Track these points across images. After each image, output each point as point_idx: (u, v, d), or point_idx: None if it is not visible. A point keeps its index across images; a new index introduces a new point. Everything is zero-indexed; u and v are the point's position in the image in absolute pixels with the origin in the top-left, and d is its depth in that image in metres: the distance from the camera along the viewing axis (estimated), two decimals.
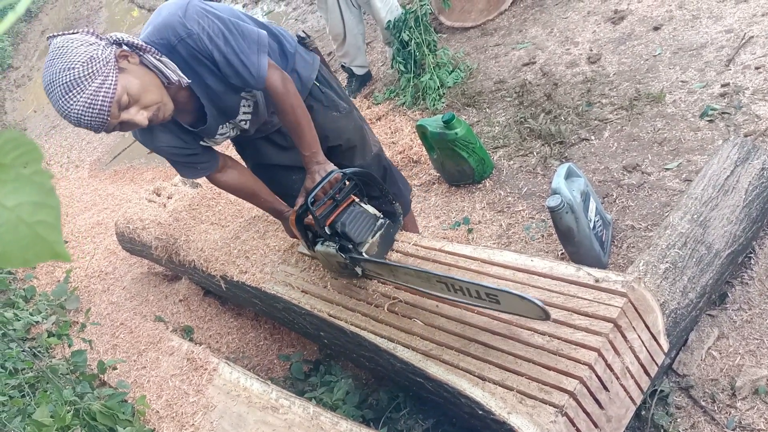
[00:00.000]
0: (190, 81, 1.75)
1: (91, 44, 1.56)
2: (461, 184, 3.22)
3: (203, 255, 2.64)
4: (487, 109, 3.63)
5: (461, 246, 1.98)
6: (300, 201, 1.94)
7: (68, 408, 2.01)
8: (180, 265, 2.87)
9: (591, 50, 3.60)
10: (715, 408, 1.83)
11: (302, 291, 2.19)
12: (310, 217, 1.88)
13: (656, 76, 3.18)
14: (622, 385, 1.60)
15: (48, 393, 2.15)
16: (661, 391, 1.90)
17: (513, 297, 1.52)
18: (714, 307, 2.08)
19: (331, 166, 1.94)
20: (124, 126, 1.67)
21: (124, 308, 3.27)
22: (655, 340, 1.66)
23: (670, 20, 3.47)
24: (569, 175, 2.31)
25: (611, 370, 1.56)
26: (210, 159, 2.07)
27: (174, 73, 1.70)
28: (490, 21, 4.43)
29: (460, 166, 3.11)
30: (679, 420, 1.84)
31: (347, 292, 2.08)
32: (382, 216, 1.98)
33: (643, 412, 1.86)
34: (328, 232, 1.88)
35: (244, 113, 2.01)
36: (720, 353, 1.95)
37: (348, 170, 1.93)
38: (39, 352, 2.91)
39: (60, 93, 1.53)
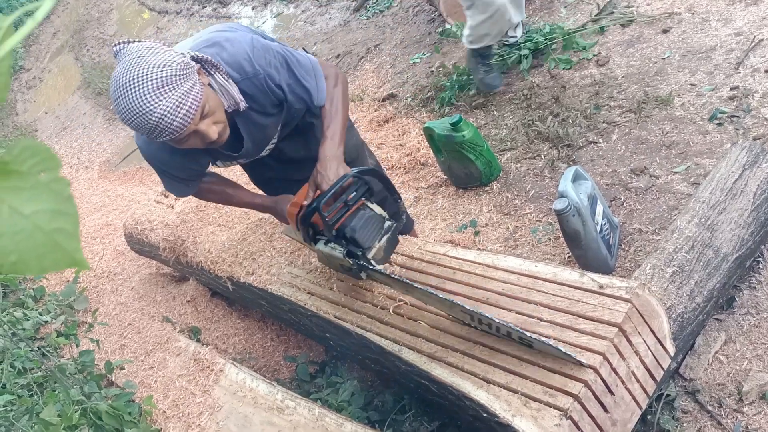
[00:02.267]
0: (248, 106, 1.78)
1: (177, 53, 1.59)
2: (468, 187, 3.22)
3: (210, 256, 2.66)
4: (495, 112, 3.63)
5: (465, 251, 1.98)
6: (310, 195, 1.87)
7: (75, 408, 2.02)
8: (187, 266, 2.88)
9: (599, 53, 3.59)
10: (722, 413, 1.82)
11: (308, 293, 2.20)
12: (317, 215, 1.83)
13: (665, 79, 3.16)
14: (627, 389, 1.59)
15: (56, 392, 2.17)
16: (668, 395, 1.89)
17: (548, 347, 1.53)
18: (721, 311, 2.06)
19: (345, 169, 1.88)
20: (192, 137, 1.66)
21: (132, 309, 3.29)
22: (661, 344, 1.66)
23: (680, 23, 3.45)
24: (576, 178, 2.30)
25: (616, 374, 1.56)
26: (200, 178, 2.09)
27: (235, 97, 1.73)
28: None
29: (467, 168, 3.11)
30: (685, 424, 1.83)
31: (353, 294, 2.08)
32: (389, 218, 1.94)
33: (649, 416, 1.85)
34: (336, 235, 1.84)
35: (267, 150, 2.08)
36: (727, 358, 1.94)
37: (357, 169, 1.88)
38: (48, 351, 2.93)
39: (151, 88, 1.51)
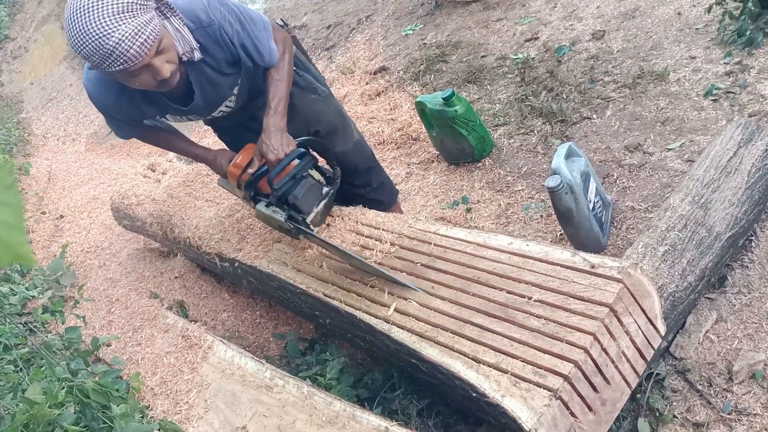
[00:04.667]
0: (202, 57, 1.76)
1: None
2: (460, 163, 3.18)
3: (198, 232, 2.62)
4: (488, 86, 3.58)
5: (456, 229, 1.95)
6: (255, 163, 1.95)
7: (62, 385, 2.00)
8: (175, 242, 2.84)
9: (595, 26, 3.53)
10: (712, 392, 1.81)
11: (297, 270, 2.17)
12: (263, 182, 1.97)
13: (661, 54, 3.12)
14: (617, 368, 1.58)
15: (42, 369, 2.14)
16: (658, 374, 1.88)
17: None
18: (713, 290, 2.05)
19: (290, 139, 1.94)
20: (144, 72, 1.62)
21: (120, 284, 3.26)
22: (652, 324, 1.64)
23: None
24: (570, 154, 2.27)
25: (607, 353, 1.55)
26: (142, 123, 2.09)
27: (191, 43, 1.71)
28: None
29: (459, 144, 3.06)
30: (674, 403, 1.83)
31: (342, 272, 2.06)
32: (326, 183, 2.09)
33: (638, 395, 1.85)
34: (279, 200, 1.98)
35: (221, 111, 2.07)
36: (718, 337, 1.93)
37: (301, 139, 1.99)
38: (35, 327, 2.90)
39: (109, 12, 1.47)
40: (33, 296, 3.27)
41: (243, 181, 2.01)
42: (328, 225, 2.20)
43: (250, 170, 1.97)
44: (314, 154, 2.09)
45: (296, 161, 1.97)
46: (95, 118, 6.23)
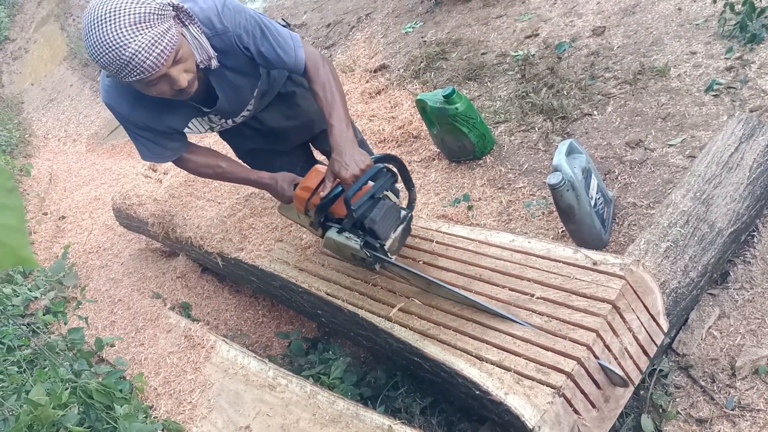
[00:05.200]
0: (219, 64, 1.74)
1: None
2: (462, 160, 3.18)
3: (200, 232, 2.62)
4: (489, 83, 3.57)
5: (458, 227, 1.95)
6: (328, 185, 1.77)
7: (65, 386, 2.00)
8: (177, 241, 2.85)
9: (595, 22, 3.52)
10: (715, 388, 1.81)
11: (299, 269, 2.17)
12: (337, 204, 1.75)
13: (661, 49, 3.11)
14: (620, 365, 1.58)
15: (45, 370, 2.15)
16: (661, 370, 1.88)
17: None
18: (715, 286, 2.05)
19: (364, 154, 1.75)
20: (161, 82, 1.62)
21: (122, 284, 3.26)
22: (655, 320, 1.64)
23: None
24: (571, 151, 2.27)
25: (610, 351, 1.55)
26: (181, 142, 2.00)
27: (208, 51, 1.69)
28: None
29: (460, 141, 3.06)
30: (678, 399, 1.83)
31: (344, 271, 2.06)
32: (404, 207, 1.85)
33: (642, 392, 1.85)
34: (354, 225, 1.76)
35: (242, 116, 2.04)
36: (720, 333, 1.93)
37: (378, 156, 1.78)
38: (37, 328, 2.90)
39: (127, 22, 1.47)
40: (35, 297, 3.27)
41: (312, 205, 1.80)
42: None
43: (322, 193, 1.77)
44: (393, 170, 1.85)
45: (380, 184, 1.76)
46: (96, 119, 6.23)
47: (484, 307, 1.67)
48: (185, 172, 3.05)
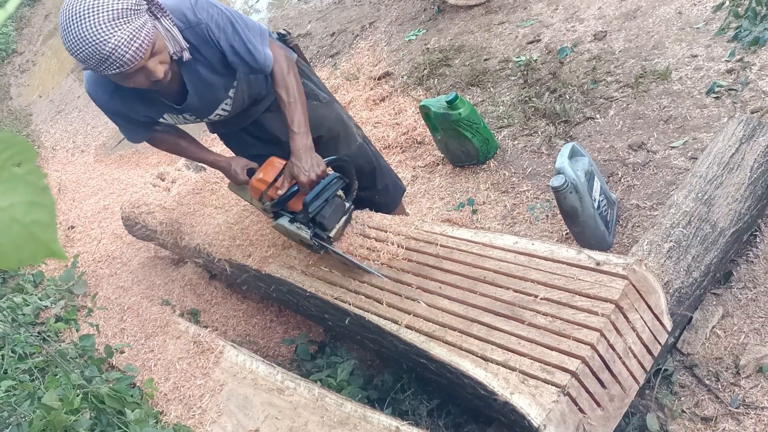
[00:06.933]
0: (191, 57, 1.80)
1: None
2: (465, 165, 3.20)
3: (207, 239, 2.65)
4: (492, 89, 3.60)
5: (462, 230, 1.97)
6: (285, 184, 1.97)
7: (77, 392, 2.03)
8: (185, 249, 2.88)
9: (596, 27, 3.55)
10: (719, 386, 1.83)
11: (306, 274, 2.20)
12: (294, 201, 2.00)
13: (662, 53, 3.13)
14: (624, 364, 1.60)
15: (57, 377, 2.18)
16: (665, 369, 1.90)
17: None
18: (718, 285, 2.07)
19: (319, 159, 1.97)
20: (139, 74, 1.67)
21: (132, 292, 3.30)
22: (658, 320, 1.66)
23: None
24: (573, 154, 2.29)
25: (614, 350, 1.56)
26: (151, 127, 2.12)
27: (181, 43, 1.75)
28: None
29: (464, 146, 3.09)
30: (683, 398, 1.84)
31: (350, 275, 2.08)
32: (347, 200, 2.12)
33: (647, 391, 1.87)
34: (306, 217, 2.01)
35: (218, 115, 2.09)
36: (724, 332, 1.95)
37: (329, 159, 2.02)
38: (48, 336, 2.94)
39: (105, 19, 1.52)
40: (46, 306, 3.31)
41: (268, 197, 2.04)
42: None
43: (280, 191, 1.99)
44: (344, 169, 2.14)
45: (333, 188, 2.02)
46: (103, 129, 6.29)
47: (358, 266, 2.00)
48: (193, 181, 3.10)
